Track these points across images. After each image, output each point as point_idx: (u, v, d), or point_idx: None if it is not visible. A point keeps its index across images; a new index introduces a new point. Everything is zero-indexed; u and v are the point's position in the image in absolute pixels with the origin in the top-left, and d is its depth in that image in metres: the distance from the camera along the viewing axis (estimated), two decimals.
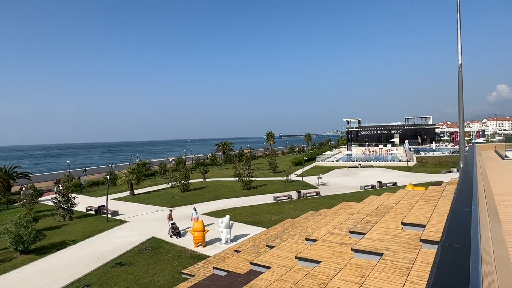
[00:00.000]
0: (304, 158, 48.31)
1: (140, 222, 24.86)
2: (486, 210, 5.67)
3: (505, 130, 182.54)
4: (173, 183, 41.36)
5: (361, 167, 54.74)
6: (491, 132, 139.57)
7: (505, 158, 18.22)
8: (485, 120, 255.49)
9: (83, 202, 33.04)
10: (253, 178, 39.76)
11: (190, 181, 40.43)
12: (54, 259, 17.87)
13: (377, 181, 35.79)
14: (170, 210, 21.46)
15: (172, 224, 20.89)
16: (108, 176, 32.61)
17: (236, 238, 19.35)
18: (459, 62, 20.64)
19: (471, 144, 31.86)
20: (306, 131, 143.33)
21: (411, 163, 53.26)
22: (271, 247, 13.16)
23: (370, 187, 34.80)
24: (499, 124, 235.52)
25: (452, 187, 14.81)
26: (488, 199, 6.67)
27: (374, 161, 60.44)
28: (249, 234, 19.83)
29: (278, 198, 30.40)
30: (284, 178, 41.63)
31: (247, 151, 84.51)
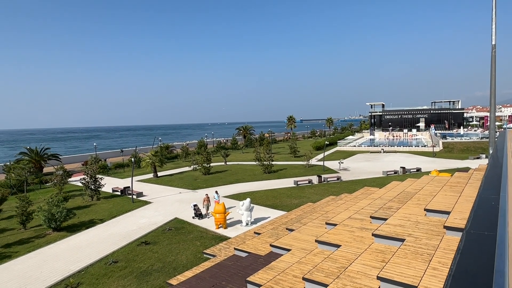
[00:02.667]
0: (326, 142, 47.83)
1: (163, 203, 25.61)
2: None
3: None
4: (194, 166, 42.13)
5: (384, 152, 53.71)
6: None
7: None
8: None
9: (109, 184, 34.29)
10: (273, 162, 39.84)
11: (212, 164, 40.99)
12: (84, 236, 18.80)
13: (400, 167, 35.07)
14: (206, 195, 21.97)
15: (194, 205, 21.40)
16: (132, 159, 33.59)
17: (256, 220, 19.62)
18: (493, 43, 19.53)
19: (502, 130, 30.48)
20: (328, 115, 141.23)
21: (436, 149, 51.73)
22: (291, 230, 13.32)
23: (392, 172, 34.18)
24: None
25: (479, 173, 14.33)
26: None
27: (397, 146, 59.05)
28: (269, 217, 20.06)
29: (298, 182, 30.45)
30: (304, 163, 41.53)
31: (267, 135, 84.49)
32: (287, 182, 31.50)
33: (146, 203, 26.08)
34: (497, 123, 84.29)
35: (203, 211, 21.93)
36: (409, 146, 58.87)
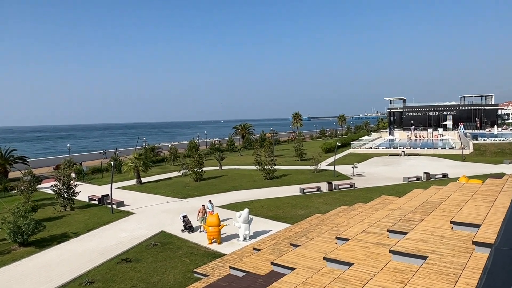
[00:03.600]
0: (337, 143, 47.82)
1: (148, 214, 25.64)
2: None
3: None
4: (184, 171, 42.16)
5: (404, 155, 53.76)
6: None
7: None
8: None
9: (85, 191, 34.30)
10: (276, 167, 39.91)
11: (204, 169, 41.06)
12: (55, 252, 18.81)
13: (424, 172, 35.10)
14: (203, 205, 21.97)
15: (184, 217, 21.43)
16: (112, 162, 33.66)
17: (255, 234, 19.66)
18: None
19: None
20: (340, 112, 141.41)
21: (466, 151, 51.74)
22: (296, 245, 13.34)
23: (415, 179, 34.20)
24: None
25: None
26: None
27: (421, 148, 59.10)
28: (271, 230, 20.08)
29: (305, 190, 30.47)
30: (312, 167, 41.55)
31: (269, 135, 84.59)
32: (292, 190, 31.54)
33: (128, 214, 26.09)
34: None
35: (197, 223, 21.95)
36: (434, 148, 58.93)
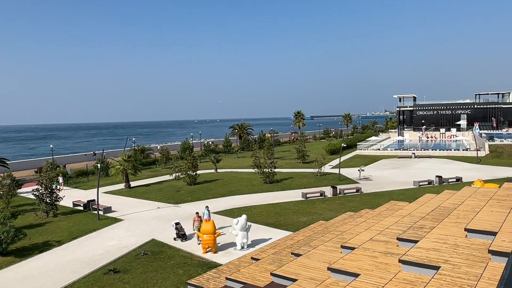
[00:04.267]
0: (342, 145, 47.91)
1: (137, 221, 25.60)
2: None
3: None
4: (177, 174, 42.16)
5: (415, 157, 53.88)
6: None
7: None
8: None
9: (69, 196, 34.22)
10: (276, 170, 39.94)
11: (199, 172, 41.06)
12: (37, 262, 18.73)
13: (436, 176, 35.17)
14: (197, 213, 21.90)
15: (176, 224, 21.42)
16: (99, 165, 33.61)
17: (254, 243, 19.65)
18: None
19: None
20: (345, 110, 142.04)
21: (481, 153, 51.88)
22: (298, 255, 13.35)
23: (426, 183, 34.27)
24: None
25: None
26: None
27: (432, 149, 59.23)
28: (271, 238, 20.10)
29: (307, 195, 30.51)
30: (316, 170, 41.61)
31: (269, 135, 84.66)
32: (294, 195, 31.57)
33: (116, 220, 26.06)
34: None
35: (191, 231, 21.93)
36: (447, 150, 59.08)
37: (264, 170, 38.10)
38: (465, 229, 10.13)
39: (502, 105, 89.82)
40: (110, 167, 43.30)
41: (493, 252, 7.96)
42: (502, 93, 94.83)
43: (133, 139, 78.33)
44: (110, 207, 29.13)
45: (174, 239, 21.22)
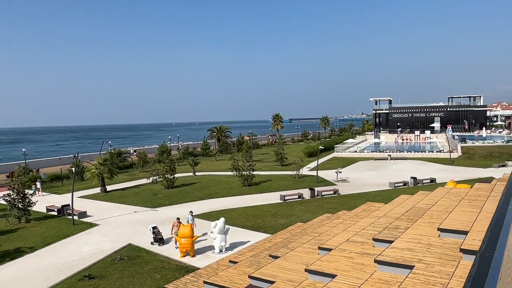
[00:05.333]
0: (320, 147, 48.38)
1: (113, 226, 25.22)
2: None
3: None
4: (154, 178, 41.70)
5: (391, 159, 54.84)
6: None
7: None
8: None
9: (42, 201, 33.47)
10: (255, 172, 39.98)
11: (176, 175, 40.74)
12: (8, 270, 18.20)
13: (411, 177, 35.91)
14: (177, 218, 21.52)
15: (154, 228, 21.17)
16: (73, 169, 32.94)
17: (232, 246, 19.61)
18: None
19: None
20: (324, 113, 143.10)
21: (454, 155, 53.23)
22: (276, 257, 13.37)
23: (401, 184, 34.93)
24: None
25: (503, 184, 14.89)
26: None
27: (408, 151, 60.45)
28: (249, 241, 20.09)
29: (286, 198, 30.63)
30: (294, 173, 41.84)
31: (248, 138, 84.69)
32: (272, 197, 31.68)
33: (91, 225, 25.61)
34: None
35: (169, 235, 21.70)
36: (421, 152, 60.38)
37: (243, 172, 38.07)
38: (438, 229, 10.37)
39: (473, 108, 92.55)
40: (86, 171, 42.49)
41: (464, 251, 8.17)
42: (473, 96, 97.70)
43: (110, 142, 77.05)
44: (85, 211, 28.60)
45: (151, 243, 20.97)
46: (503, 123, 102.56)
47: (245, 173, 37.80)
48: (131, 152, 70.45)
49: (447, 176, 37.42)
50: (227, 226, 19.52)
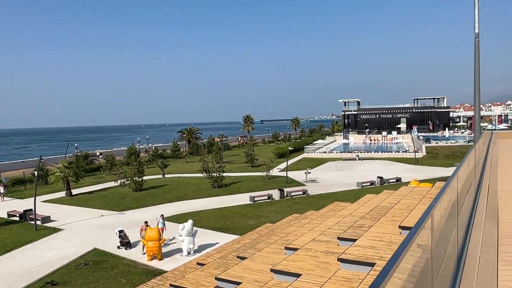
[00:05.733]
0: (289, 148, 48.83)
1: (78, 230, 24.61)
2: (484, 208, 6.02)
3: None
4: (122, 181, 40.91)
5: (359, 159, 55.89)
6: None
7: None
8: (509, 102, 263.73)
9: (4, 206, 32.37)
10: (225, 174, 39.88)
11: (145, 177, 40.13)
12: None
13: (378, 177, 36.72)
14: (146, 222, 20.99)
15: (120, 232, 20.76)
16: (36, 172, 31.87)
17: (201, 248, 19.50)
18: (476, 31, 21.30)
19: (487, 131, 33.13)
20: (295, 114, 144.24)
21: (419, 155, 54.80)
22: (243, 258, 13.36)
23: (368, 184, 35.66)
24: None
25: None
26: (490, 197, 7.10)
27: (375, 151, 61.82)
28: (218, 243, 20.01)
29: (255, 198, 30.71)
30: (264, 174, 42.00)
31: (218, 139, 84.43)
32: (242, 198, 31.69)
33: (55, 230, 24.91)
34: (486, 124, 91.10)
35: (136, 239, 21.31)
36: (388, 152, 61.87)
37: (213, 174, 37.91)
38: (399, 227, 10.65)
39: (437, 109, 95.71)
40: (50, 174, 41.19)
41: (422, 247, 8.42)
42: (437, 98, 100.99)
43: (76, 144, 75.00)
44: (49, 216, 27.73)
45: (118, 247, 20.54)
46: (465, 123, 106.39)
47: (215, 174, 37.66)
48: (97, 155, 68.78)
49: (412, 176, 38.49)
50: (195, 228, 19.39)
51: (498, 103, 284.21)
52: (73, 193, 37.27)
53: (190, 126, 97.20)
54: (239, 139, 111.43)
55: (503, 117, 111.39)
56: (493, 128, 60.34)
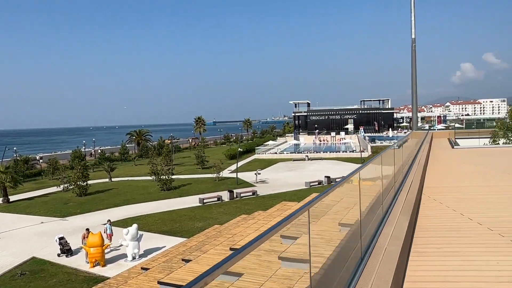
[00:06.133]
0: (239, 149, 48.92)
1: (15, 239, 23.31)
2: (402, 204, 6.37)
3: (467, 115, 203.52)
4: (66, 185, 39.13)
5: (308, 159, 57.03)
6: (454, 117, 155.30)
7: (454, 147, 20.42)
8: (448, 103, 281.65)
9: None
10: (174, 176, 39.35)
11: (90, 182, 38.64)
12: None
13: (325, 176, 37.62)
14: (87, 229, 19.99)
15: (60, 239, 19.83)
16: None
17: (147, 252, 19.08)
18: (412, 37, 22.53)
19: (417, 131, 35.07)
20: (249, 116, 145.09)
21: (365, 154, 56.70)
22: (188, 261, 13.21)
23: (316, 183, 36.43)
24: (462, 108, 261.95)
25: None
26: (410, 193, 7.53)
27: (324, 152, 63.36)
28: (165, 246, 19.65)
29: (205, 200, 30.49)
30: (214, 175, 41.78)
31: (168, 141, 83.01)
32: (191, 201, 31.35)
33: None
34: (426, 124, 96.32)
35: (78, 246, 20.43)
36: (336, 152, 63.65)
37: (161, 177, 37.19)
38: (339, 224, 10.95)
39: (382, 111, 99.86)
40: None
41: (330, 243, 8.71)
42: (382, 100, 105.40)
43: (15, 148, 70.76)
44: None
45: (58, 255, 19.60)
46: (408, 124, 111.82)
47: (164, 177, 36.96)
48: (38, 159, 65.32)
49: (357, 175, 39.82)
50: (140, 232, 18.94)
51: (438, 104, 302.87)
52: (11, 200, 35.22)
53: (141, 128, 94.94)
54: (190, 141, 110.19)
55: (442, 118, 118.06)
56: (432, 127, 63.76)
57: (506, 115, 53.34)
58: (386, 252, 4.37)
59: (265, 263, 10.08)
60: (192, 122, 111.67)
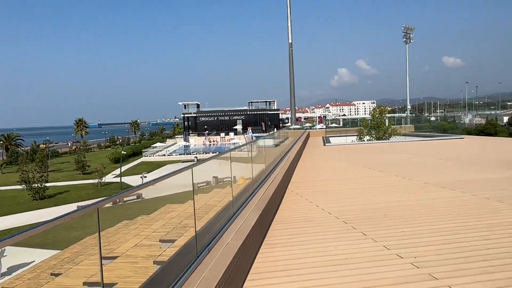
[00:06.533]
0: (123, 152, 46.71)
1: None
2: (258, 199, 6.69)
3: (344, 115, 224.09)
4: None
5: (197, 160, 56.79)
6: (333, 118, 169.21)
7: (326, 144, 22.20)
8: (328, 105, 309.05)
9: None
10: (50, 184, 36.03)
11: None
12: None
13: (213, 176, 37.81)
14: None
15: None
16: None
17: (11, 270, 17.16)
18: (289, 41, 23.90)
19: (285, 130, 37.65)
20: (137, 117, 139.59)
21: (254, 153, 58.64)
22: (58, 275, 12.13)
23: (204, 184, 36.33)
24: (339, 109, 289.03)
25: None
26: (269, 188, 7.99)
27: (213, 152, 63.75)
28: (34, 261, 17.76)
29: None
30: (96, 181, 39.24)
31: (44, 146, 75.70)
32: (69, 210, 28.40)
33: None
34: (308, 124, 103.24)
35: None
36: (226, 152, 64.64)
37: (34, 185, 33.69)
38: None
39: (268, 111, 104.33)
40: None
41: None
42: (269, 101, 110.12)
43: None
44: None
45: None
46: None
47: (37, 185, 33.53)
48: None
49: (243, 174, 40.95)
50: (2, 249, 16.80)
51: (320, 106, 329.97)
52: None
53: (12, 131, 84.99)
54: (70, 144, 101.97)
55: (322, 118, 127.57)
56: (313, 127, 68.44)
57: (369, 115, 59.67)
58: (226, 247, 4.47)
59: (142, 269, 9.68)
60: (73, 125, 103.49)
